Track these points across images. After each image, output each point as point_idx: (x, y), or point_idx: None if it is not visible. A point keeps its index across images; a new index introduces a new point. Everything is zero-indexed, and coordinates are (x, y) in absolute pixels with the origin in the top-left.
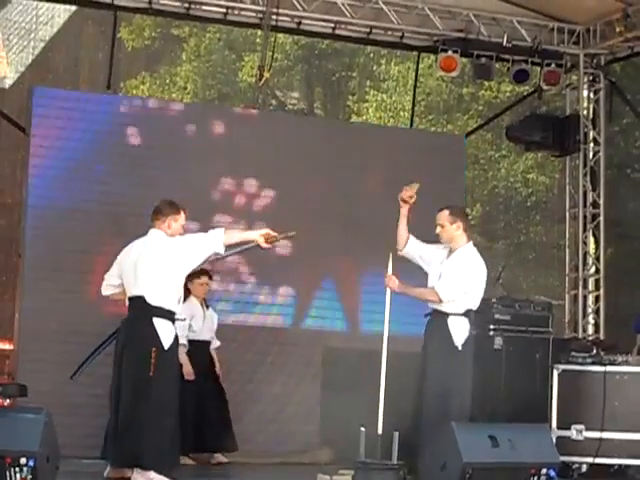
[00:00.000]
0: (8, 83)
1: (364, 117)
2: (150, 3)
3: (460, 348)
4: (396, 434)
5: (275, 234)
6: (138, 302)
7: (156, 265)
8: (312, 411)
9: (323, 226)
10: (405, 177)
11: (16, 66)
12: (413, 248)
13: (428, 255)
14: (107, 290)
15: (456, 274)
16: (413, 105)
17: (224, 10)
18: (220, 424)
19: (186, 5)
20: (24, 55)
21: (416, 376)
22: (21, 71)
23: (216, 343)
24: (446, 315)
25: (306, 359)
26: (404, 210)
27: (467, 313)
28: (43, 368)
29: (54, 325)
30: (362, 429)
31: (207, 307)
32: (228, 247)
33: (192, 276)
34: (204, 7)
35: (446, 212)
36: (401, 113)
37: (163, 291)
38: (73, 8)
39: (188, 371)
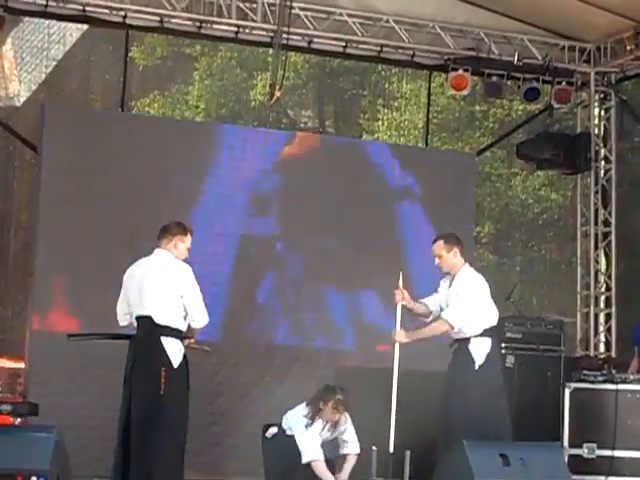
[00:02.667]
0: (20, 101)
1: (375, 135)
2: (162, 22)
3: (477, 368)
4: (408, 453)
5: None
6: (145, 322)
7: (162, 285)
8: None
9: (333, 243)
10: (418, 195)
11: (28, 85)
12: (436, 307)
13: (442, 298)
14: (124, 320)
15: (461, 297)
16: (427, 124)
17: (235, 29)
18: None
19: (197, 24)
20: (36, 74)
21: (429, 395)
22: (33, 89)
23: None
24: (467, 340)
25: (318, 378)
26: (408, 304)
27: (486, 332)
28: (54, 387)
29: (66, 345)
30: (374, 448)
31: None
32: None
33: None
34: (215, 26)
35: (441, 242)
36: (412, 131)
37: (169, 310)
38: (85, 27)
39: None
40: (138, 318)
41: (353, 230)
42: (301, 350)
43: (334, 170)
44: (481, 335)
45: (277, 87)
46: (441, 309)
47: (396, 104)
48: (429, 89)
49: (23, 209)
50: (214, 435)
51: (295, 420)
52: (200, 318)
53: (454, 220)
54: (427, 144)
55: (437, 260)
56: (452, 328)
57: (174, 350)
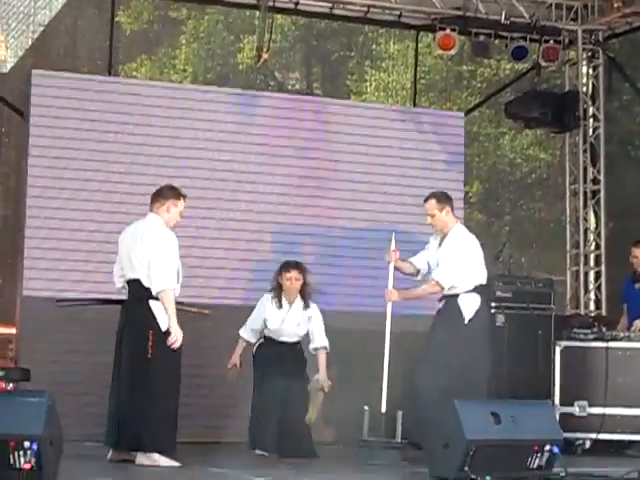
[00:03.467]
0: (7, 67)
1: (363, 96)
2: None
3: (466, 322)
4: (400, 413)
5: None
6: (135, 285)
7: (151, 249)
8: None
9: (327, 203)
10: (406, 156)
11: (15, 50)
12: (424, 265)
13: (431, 256)
14: (119, 282)
15: (450, 257)
16: (415, 84)
17: None
18: None
19: None
20: (23, 39)
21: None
22: (20, 55)
23: None
24: (456, 295)
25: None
26: (397, 264)
27: (476, 288)
28: (46, 353)
29: (56, 310)
30: (365, 408)
31: None
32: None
33: None
34: None
35: (433, 201)
36: (400, 92)
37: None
38: None
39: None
40: (129, 281)
41: (346, 191)
42: None
43: (321, 131)
44: (471, 291)
45: (264, 49)
46: (429, 267)
47: (384, 65)
48: (416, 49)
49: (11, 174)
50: (207, 397)
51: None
52: (155, 283)
53: (443, 180)
54: (415, 104)
55: (429, 219)
56: (442, 289)
57: (162, 313)
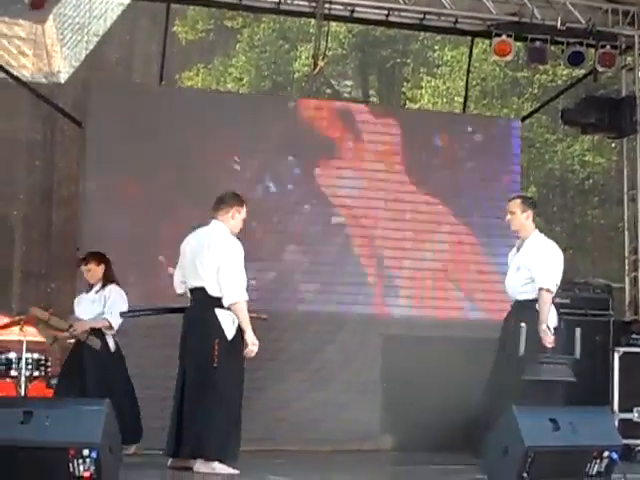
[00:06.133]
0: (63, 77)
1: (419, 103)
2: None
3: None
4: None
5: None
6: (199, 293)
7: (218, 257)
8: (373, 398)
9: (379, 214)
10: (464, 162)
11: (70, 61)
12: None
13: (512, 267)
14: (180, 288)
15: (544, 259)
16: (466, 90)
17: (277, 0)
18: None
19: None
20: (78, 50)
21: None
22: (75, 66)
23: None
24: (532, 301)
25: (366, 346)
26: None
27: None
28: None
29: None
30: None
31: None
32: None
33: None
34: None
35: (518, 200)
36: (456, 99)
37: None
38: (126, 2)
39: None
40: (192, 290)
41: (400, 198)
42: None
43: (374, 139)
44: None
45: (320, 57)
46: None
47: (439, 72)
48: (470, 55)
49: (63, 183)
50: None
51: None
52: (229, 295)
53: (500, 187)
54: (464, 110)
55: (509, 216)
56: (552, 291)
57: (228, 322)
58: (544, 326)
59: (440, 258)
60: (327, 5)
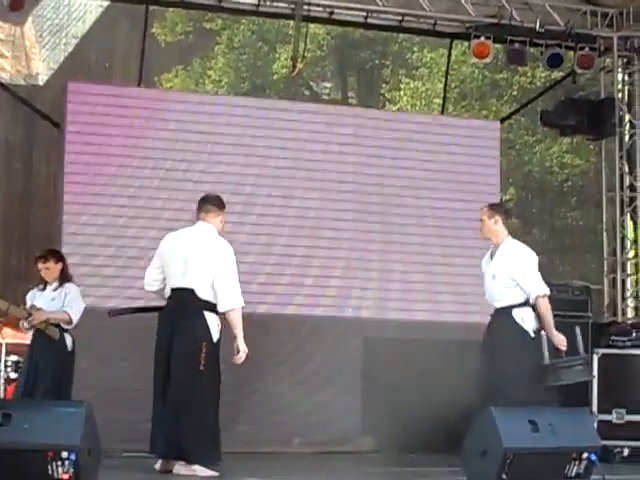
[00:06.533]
0: (42, 79)
1: (398, 105)
2: None
3: (532, 335)
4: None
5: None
6: (186, 294)
7: (210, 261)
8: (353, 400)
9: (358, 216)
10: (441, 164)
11: (49, 63)
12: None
13: (487, 275)
14: (153, 286)
15: (528, 267)
16: (445, 91)
17: (256, 1)
18: None
19: None
20: (57, 52)
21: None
22: (54, 68)
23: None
24: (510, 308)
25: (345, 348)
26: None
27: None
28: (85, 362)
29: (93, 321)
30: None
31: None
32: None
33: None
34: None
35: (485, 208)
36: (435, 100)
37: (210, 285)
38: (105, 4)
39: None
40: (177, 289)
41: (379, 201)
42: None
43: (355, 141)
44: (523, 304)
45: (299, 59)
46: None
47: (418, 74)
48: (449, 57)
49: (42, 185)
50: (250, 407)
51: None
52: (226, 301)
53: (479, 189)
54: (443, 112)
55: (480, 224)
56: (547, 295)
57: (214, 326)
58: (554, 331)
59: (419, 261)
60: (306, 7)
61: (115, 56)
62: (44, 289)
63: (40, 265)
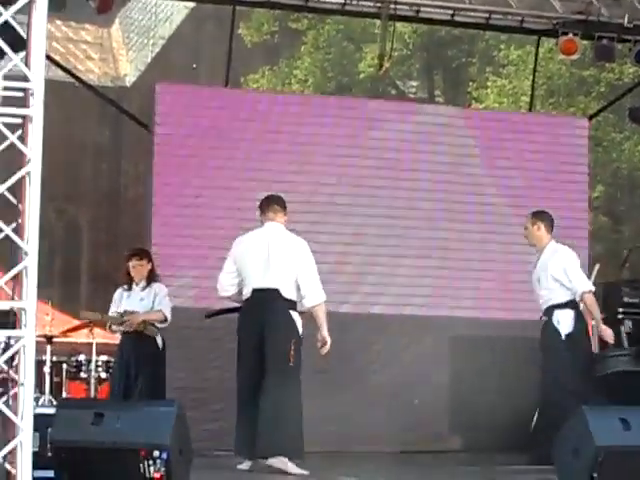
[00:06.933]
0: (129, 81)
1: (485, 103)
2: None
3: (563, 338)
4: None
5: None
6: (271, 295)
7: (292, 259)
8: (441, 399)
9: (439, 215)
10: (529, 162)
11: (136, 64)
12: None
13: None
14: (228, 291)
15: (571, 265)
16: (533, 89)
17: (342, 1)
18: None
19: None
20: (144, 53)
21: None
22: (141, 69)
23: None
24: (552, 309)
25: (432, 347)
26: None
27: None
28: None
29: (183, 322)
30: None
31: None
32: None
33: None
34: None
35: (529, 215)
36: (522, 98)
37: (294, 285)
38: (191, 5)
39: None
40: (260, 290)
41: (465, 200)
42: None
43: (436, 140)
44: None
45: (385, 58)
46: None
47: (505, 71)
48: (536, 54)
49: (130, 186)
50: (338, 406)
51: None
52: (313, 296)
53: (567, 185)
54: (531, 109)
55: (525, 231)
56: (592, 291)
57: (299, 323)
58: (602, 325)
59: (503, 259)
60: (392, 6)
61: (201, 57)
62: (129, 289)
63: (134, 262)
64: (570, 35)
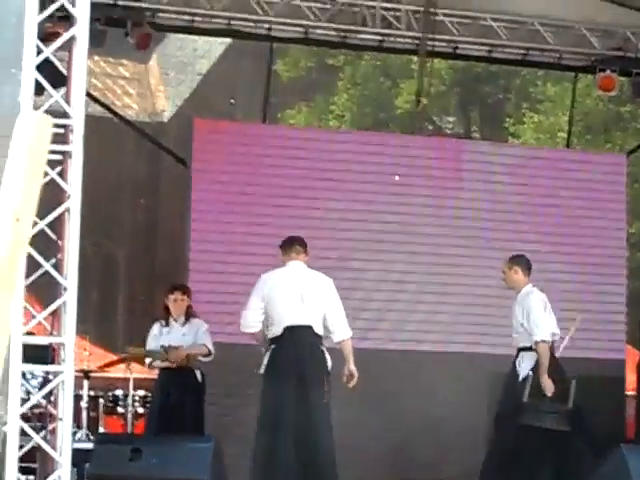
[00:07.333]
0: (166, 116)
1: (521, 139)
2: (306, 33)
3: (520, 379)
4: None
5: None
6: (305, 332)
7: (322, 297)
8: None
9: (479, 252)
10: (567, 199)
11: (174, 100)
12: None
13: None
14: (254, 327)
15: (534, 312)
16: (570, 125)
17: (380, 37)
18: None
19: (342, 34)
20: (182, 89)
21: None
22: (178, 104)
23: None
24: (520, 350)
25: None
26: None
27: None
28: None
29: (221, 357)
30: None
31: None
32: None
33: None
34: (360, 35)
35: (507, 259)
36: (559, 134)
37: (322, 321)
38: (229, 41)
39: None
40: (295, 327)
41: (501, 237)
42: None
43: (476, 177)
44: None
45: (423, 94)
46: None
47: (542, 107)
48: (574, 90)
49: (167, 221)
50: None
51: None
52: (341, 331)
53: (605, 221)
54: (568, 145)
55: (502, 275)
56: (548, 341)
57: (329, 359)
58: (545, 376)
59: None
60: (430, 42)
61: (238, 92)
62: (167, 324)
63: (176, 296)
64: (608, 71)
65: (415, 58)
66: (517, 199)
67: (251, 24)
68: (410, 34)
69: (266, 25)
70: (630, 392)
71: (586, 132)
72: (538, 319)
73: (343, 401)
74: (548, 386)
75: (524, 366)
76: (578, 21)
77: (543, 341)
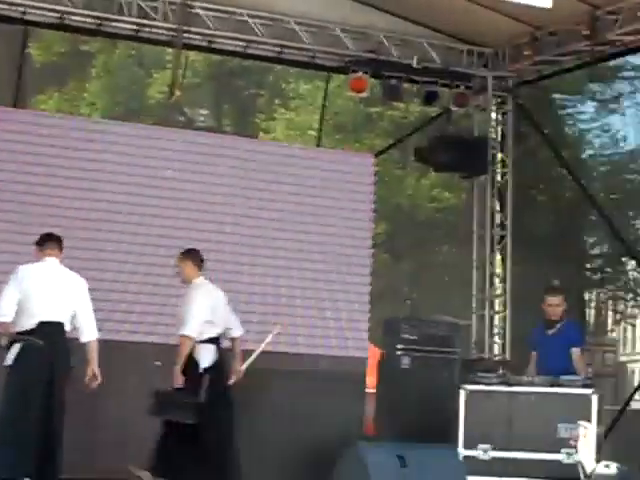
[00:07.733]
0: None
1: (272, 135)
2: (61, 19)
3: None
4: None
5: None
6: (58, 328)
7: (76, 297)
8: None
9: (235, 249)
10: (314, 198)
11: None
12: None
13: None
14: (7, 316)
15: (189, 308)
16: (321, 123)
17: (136, 27)
18: None
19: (97, 21)
20: None
21: None
22: None
23: None
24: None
25: None
26: None
27: (212, 340)
28: None
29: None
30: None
31: None
32: None
33: None
34: (115, 24)
35: (178, 255)
36: (309, 132)
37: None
38: None
39: None
40: (46, 323)
41: (251, 233)
42: None
43: (229, 170)
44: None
45: (177, 86)
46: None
47: (293, 104)
48: (326, 91)
49: None
50: None
51: None
52: (90, 332)
53: (352, 221)
54: (319, 144)
55: (176, 269)
56: (191, 338)
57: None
58: (176, 371)
59: (292, 294)
60: (186, 35)
61: None
62: None
63: None
64: (360, 73)
65: (170, 49)
66: (260, 196)
67: (4, 6)
68: (166, 25)
69: (20, 8)
70: (370, 390)
71: (336, 131)
72: (189, 314)
73: None
74: (179, 380)
75: (205, 358)
76: (334, 22)
77: (183, 335)
